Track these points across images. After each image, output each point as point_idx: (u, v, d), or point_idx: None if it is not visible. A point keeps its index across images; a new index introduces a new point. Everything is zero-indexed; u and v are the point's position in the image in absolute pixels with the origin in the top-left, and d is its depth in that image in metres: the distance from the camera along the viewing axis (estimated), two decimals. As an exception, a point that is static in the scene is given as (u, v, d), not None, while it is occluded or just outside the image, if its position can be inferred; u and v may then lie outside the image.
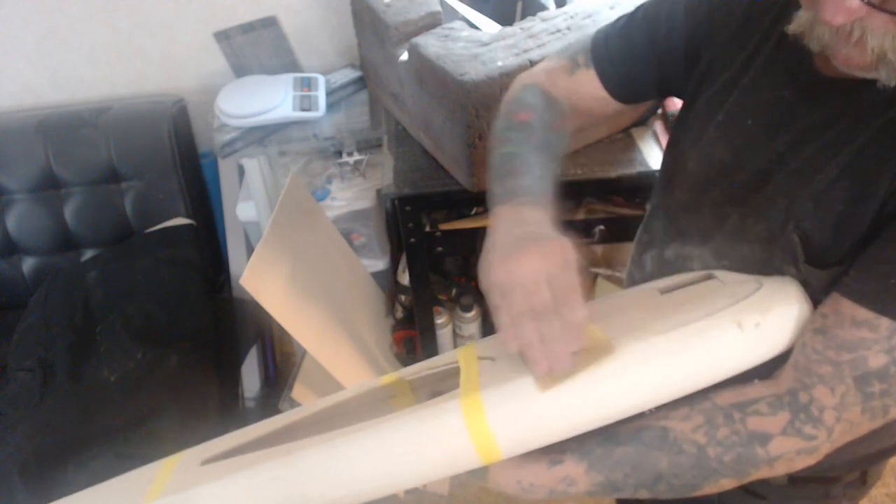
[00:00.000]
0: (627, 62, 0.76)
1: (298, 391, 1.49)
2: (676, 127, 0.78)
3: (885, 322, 0.52)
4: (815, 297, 0.59)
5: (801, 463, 0.56)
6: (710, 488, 0.57)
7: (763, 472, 0.57)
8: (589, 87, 0.78)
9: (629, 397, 0.55)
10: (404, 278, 1.69)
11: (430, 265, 1.50)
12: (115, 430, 1.27)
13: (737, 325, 0.56)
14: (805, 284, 0.60)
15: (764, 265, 0.64)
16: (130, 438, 1.27)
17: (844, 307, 0.54)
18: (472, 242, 1.34)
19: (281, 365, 1.85)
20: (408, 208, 1.27)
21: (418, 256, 1.36)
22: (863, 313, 0.53)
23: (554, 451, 0.58)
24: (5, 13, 1.53)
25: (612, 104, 0.79)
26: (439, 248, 1.35)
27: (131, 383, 1.34)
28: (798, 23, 0.56)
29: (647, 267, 0.82)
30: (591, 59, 0.78)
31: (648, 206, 0.86)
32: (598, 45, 0.78)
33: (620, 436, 0.58)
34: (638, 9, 0.77)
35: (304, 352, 1.51)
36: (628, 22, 0.77)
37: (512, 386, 0.55)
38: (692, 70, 0.73)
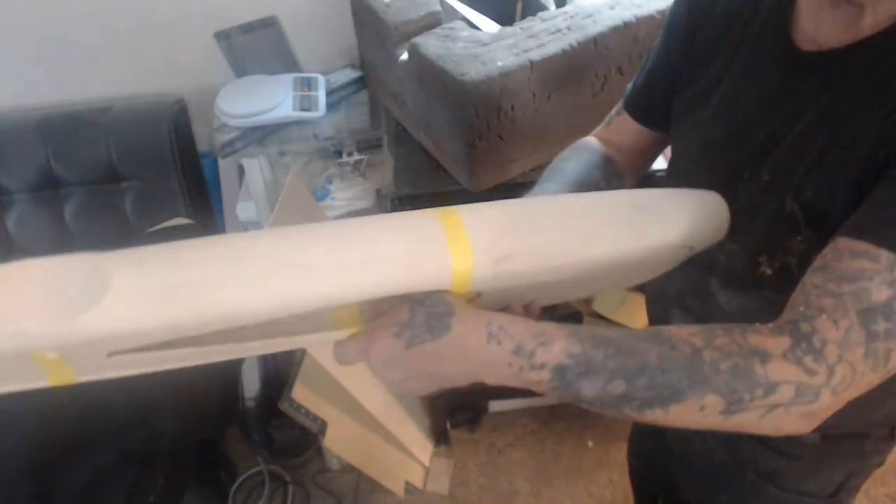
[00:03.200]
0: (648, 87, 0.84)
1: (298, 391, 1.49)
2: (676, 117, 0.81)
3: (884, 253, 0.51)
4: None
5: (797, 418, 0.51)
6: (691, 402, 0.50)
7: (754, 411, 0.50)
8: (625, 127, 0.87)
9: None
10: (404, 278, 1.69)
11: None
12: (115, 429, 1.27)
13: (632, 205, 0.61)
14: (809, 253, 0.58)
15: (773, 237, 0.66)
16: (130, 437, 1.27)
17: (842, 244, 0.53)
18: (472, 242, 1.34)
19: (281, 365, 1.85)
20: (408, 208, 1.27)
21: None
22: (862, 245, 0.52)
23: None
24: (5, 13, 1.53)
25: (650, 133, 0.86)
26: (439, 248, 1.35)
27: (131, 383, 1.33)
28: None
29: None
30: (622, 105, 0.87)
31: None
32: (627, 91, 0.87)
33: (613, 325, 0.57)
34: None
35: (304, 352, 1.51)
36: (650, 56, 0.84)
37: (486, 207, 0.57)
38: (690, 60, 0.76)
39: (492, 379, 0.53)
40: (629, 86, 0.87)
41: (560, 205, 0.61)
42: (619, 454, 1.80)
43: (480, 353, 0.51)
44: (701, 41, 0.74)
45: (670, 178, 0.84)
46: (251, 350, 0.53)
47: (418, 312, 0.50)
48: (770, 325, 0.53)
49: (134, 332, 0.43)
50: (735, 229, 0.69)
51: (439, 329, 0.50)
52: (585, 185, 0.78)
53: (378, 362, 0.52)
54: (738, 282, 0.73)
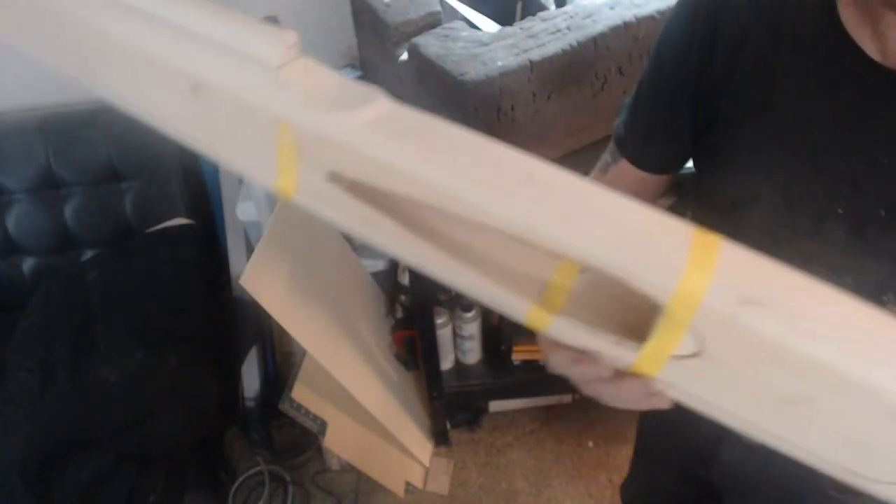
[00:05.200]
0: (651, 129, 0.73)
1: (298, 391, 1.49)
2: (707, 159, 0.71)
3: None
4: None
5: None
6: None
7: None
8: (627, 175, 0.76)
9: None
10: (404, 278, 1.69)
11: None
12: (115, 430, 1.27)
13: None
14: None
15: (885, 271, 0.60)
16: (130, 438, 1.27)
17: None
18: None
19: (281, 365, 1.85)
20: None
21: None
22: None
23: None
24: (5, 13, 1.53)
25: (655, 178, 0.77)
26: (439, 248, 1.35)
27: (131, 383, 1.34)
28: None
29: None
30: (617, 151, 0.77)
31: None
32: (618, 135, 0.76)
33: None
34: (641, 79, 0.74)
35: (304, 352, 1.51)
36: (635, 95, 0.74)
37: None
38: (711, 94, 0.67)
39: None
40: (619, 126, 0.76)
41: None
42: (619, 455, 1.80)
43: None
44: (723, 71, 0.65)
45: (726, 226, 0.76)
46: (452, 273, 0.45)
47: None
48: None
49: (358, 151, 0.40)
50: (843, 266, 0.62)
51: None
52: None
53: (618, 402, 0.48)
54: None
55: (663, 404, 0.45)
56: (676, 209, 0.68)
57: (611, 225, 0.41)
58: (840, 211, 0.60)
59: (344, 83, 0.43)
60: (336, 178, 0.42)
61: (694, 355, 0.41)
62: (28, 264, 1.66)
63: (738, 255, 0.41)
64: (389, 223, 0.43)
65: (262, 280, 1.20)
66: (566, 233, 0.40)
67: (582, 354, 0.44)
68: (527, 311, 0.44)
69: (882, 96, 0.56)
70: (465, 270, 0.44)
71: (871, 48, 0.55)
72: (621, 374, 0.44)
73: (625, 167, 0.76)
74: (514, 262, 0.46)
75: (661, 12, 1.15)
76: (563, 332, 0.44)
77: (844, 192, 0.59)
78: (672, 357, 0.41)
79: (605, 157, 0.79)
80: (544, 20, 1.16)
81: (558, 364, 0.47)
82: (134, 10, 0.42)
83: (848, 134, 0.58)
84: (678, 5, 0.68)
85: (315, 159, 0.42)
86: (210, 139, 0.45)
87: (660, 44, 0.70)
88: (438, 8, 1.25)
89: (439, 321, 1.60)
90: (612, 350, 0.43)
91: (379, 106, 0.41)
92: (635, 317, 0.44)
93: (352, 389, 1.44)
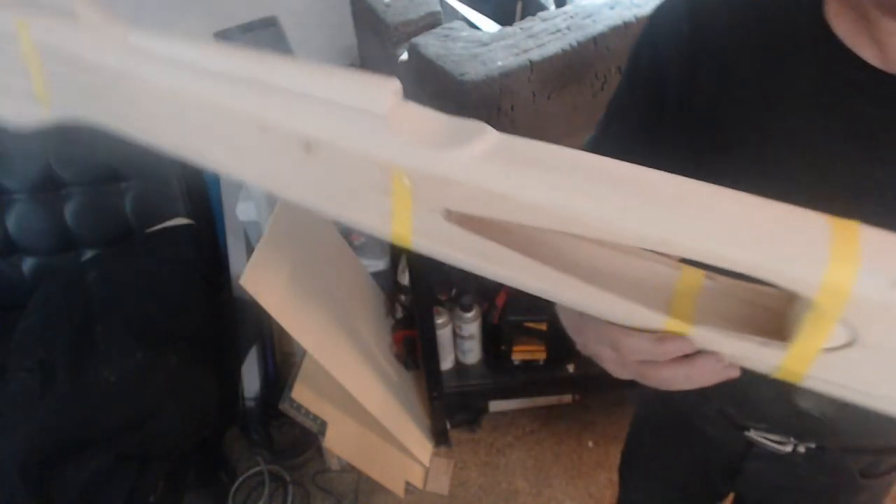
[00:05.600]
0: (622, 154, 0.70)
1: (298, 391, 1.49)
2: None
3: None
4: None
5: None
6: None
7: None
8: None
9: None
10: (404, 278, 1.69)
11: (430, 265, 1.50)
12: (115, 430, 1.27)
13: None
14: None
15: None
16: (130, 438, 1.27)
17: None
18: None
19: (281, 365, 1.85)
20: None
21: (418, 256, 1.36)
22: None
23: None
24: (5, 13, 1.53)
25: None
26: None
27: (131, 383, 1.34)
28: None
29: None
30: None
31: None
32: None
33: None
34: (613, 99, 0.71)
35: (304, 352, 1.51)
36: (609, 115, 0.72)
37: None
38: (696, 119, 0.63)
39: None
40: (591, 146, 0.72)
41: None
42: (619, 455, 1.80)
43: None
44: (711, 96, 0.61)
45: None
46: (584, 296, 0.45)
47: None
48: None
49: (478, 185, 0.40)
50: None
51: None
52: None
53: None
54: None
55: (735, 373, 0.44)
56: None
57: (743, 224, 0.40)
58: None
59: (450, 121, 0.43)
60: (453, 215, 0.42)
61: (846, 346, 0.40)
62: (28, 264, 1.66)
63: (881, 239, 0.39)
64: (514, 255, 0.43)
65: (262, 280, 1.20)
66: (700, 239, 0.39)
67: (664, 334, 0.43)
68: (664, 324, 0.44)
69: (890, 103, 0.53)
70: (599, 293, 0.43)
71: (870, 56, 0.53)
72: (694, 352, 0.44)
73: None
74: (637, 276, 0.46)
75: (661, 12, 1.15)
76: (704, 338, 0.43)
77: (869, 206, 0.55)
78: (822, 351, 0.40)
79: None
80: (544, 20, 1.16)
81: (633, 348, 0.46)
82: (239, 80, 0.43)
83: (863, 144, 0.55)
84: (653, 25, 0.64)
85: (430, 200, 0.42)
86: (323, 195, 0.45)
87: (634, 64, 0.67)
88: (438, 8, 1.25)
89: (439, 321, 1.60)
90: (757, 351, 0.42)
91: (488, 138, 0.41)
92: (767, 316, 0.43)
93: (352, 389, 1.44)
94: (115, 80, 0.46)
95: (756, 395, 0.51)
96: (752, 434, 0.80)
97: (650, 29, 0.64)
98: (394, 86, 0.41)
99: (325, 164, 0.43)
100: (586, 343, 0.52)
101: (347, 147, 0.42)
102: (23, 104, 0.52)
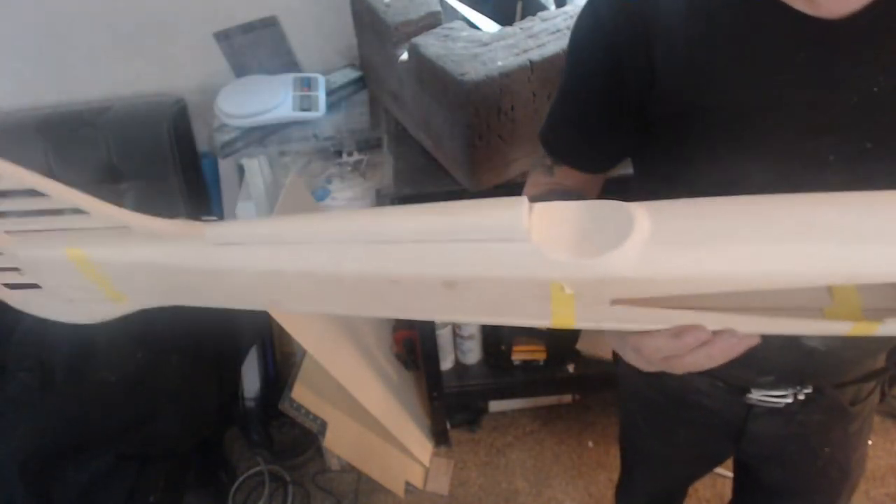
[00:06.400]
0: (585, 135, 0.74)
1: (298, 391, 1.49)
2: (678, 149, 0.68)
3: None
4: None
5: None
6: None
7: None
8: (572, 175, 0.77)
9: None
10: (404, 278, 1.69)
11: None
12: (115, 430, 1.27)
13: None
14: None
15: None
16: (130, 438, 1.27)
17: None
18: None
19: (281, 365, 1.85)
20: (408, 208, 1.27)
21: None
22: None
23: None
24: (5, 13, 1.53)
25: (601, 175, 0.78)
26: (439, 248, 1.35)
27: (131, 383, 1.34)
28: None
29: None
30: (552, 158, 0.77)
31: None
32: (548, 143, 0.77)
33: None
34: (561, 88, 0.75)
35: (304, 352, 1.51)
36: (559, 103, 0.75)
37: None
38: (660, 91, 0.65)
39: None
40: (546, 133, 0.77)
41: None
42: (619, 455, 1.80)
43: None
44: (667, 66, 0.64)
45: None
46: (750, 326, 0.46)
47: None
48: None
49: (648, 278, 0.40)
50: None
51: None
52: None
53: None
54: None
55: (755, 341, 0.46)
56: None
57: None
58: (831, 158, 0.61)
59: (591, 212, 0.42)
60: (621, 301, 0.43)
61: None
62: (28, 264, 1.66)
63: None
64: (688, 314, 0.44)
65: (262, 280, 1.20)
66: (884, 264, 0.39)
67: (683, 327, 0.45)
68: (849, 330, 0.44)
69: (822, 44, 0.57)
70: (784, 320, 0.44)
71: (800, 4, 0.56)
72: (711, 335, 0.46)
73: (566, 170, 0.76)
74: (791, 296, 0.46)
75: (661, 12, 1.15)
76: (889, 330, 0.44)
77: (829, 140, 0.60)
78: None
79: (545, 158, 0.78)
80: (544, 20, 1.16)
81: (655, 348, 0.47)
82: (353, 242, 0.43)
83: (816, 87, 0.59)
84: (589, 15, 0.67)
85: (595, 296, 0.42)
86: (470, 313, 0.46)
87: (577, 52, 0.70)
88: (438, 8, 1.25)
89: (439, 321, 1.60)
90: None
91: (640, 230, 0.40)
92: None
93: (352, 389, 1.44)
94: (204, 277, 0.48)
95: (765, 349, 0.53)
96: (753, 395, 0.83)
97: (589, 19, 0.67)
98: (522, 202, 0.40)
99: (473, 292, 0.43)
100: (613, 346, 0.55)
101: (498, 277, 0.41)
102: (93, 308, 0.55)
